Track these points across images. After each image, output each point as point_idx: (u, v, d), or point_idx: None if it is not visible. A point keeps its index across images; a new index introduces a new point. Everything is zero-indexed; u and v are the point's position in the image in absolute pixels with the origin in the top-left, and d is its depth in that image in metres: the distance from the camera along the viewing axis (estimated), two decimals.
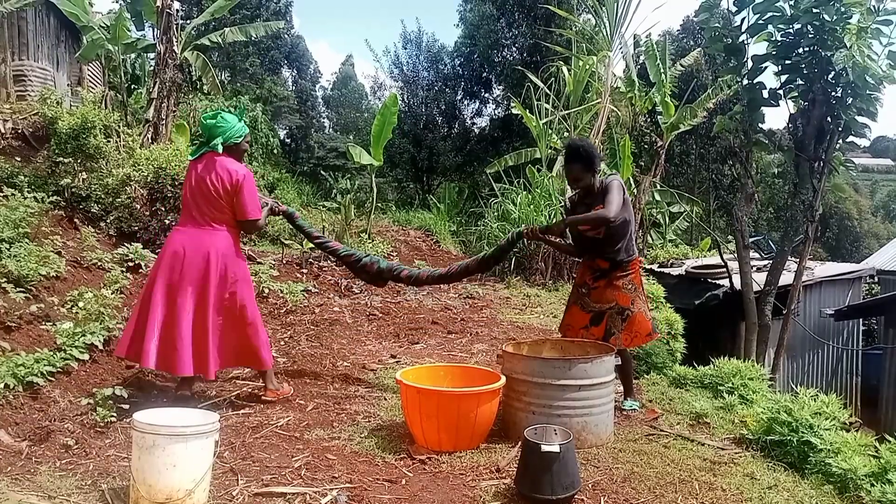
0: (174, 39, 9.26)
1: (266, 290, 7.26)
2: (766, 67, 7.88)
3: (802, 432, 3.84)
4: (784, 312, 8.39)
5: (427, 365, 4.80)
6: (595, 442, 3.93)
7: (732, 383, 5.09)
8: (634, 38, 14.27)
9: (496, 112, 20.91)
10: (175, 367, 4.12)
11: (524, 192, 10.46)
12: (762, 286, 8.44)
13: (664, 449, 3.94)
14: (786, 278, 8.65)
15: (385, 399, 4.77)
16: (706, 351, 6.95)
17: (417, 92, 20.52)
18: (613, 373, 4.15)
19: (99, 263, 6.33)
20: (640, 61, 13.64)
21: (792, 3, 7.34)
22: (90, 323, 4.82)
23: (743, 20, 7.71)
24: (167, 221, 7.28)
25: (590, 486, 3.37)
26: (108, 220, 7.29)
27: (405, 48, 20.85)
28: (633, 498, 3.26)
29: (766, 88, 7.90)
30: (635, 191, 12.10)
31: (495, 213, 10.81)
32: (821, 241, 24.26)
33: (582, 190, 4.53)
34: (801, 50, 7.53)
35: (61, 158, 7.32)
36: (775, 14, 7.45)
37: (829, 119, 7.69)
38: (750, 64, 7.94)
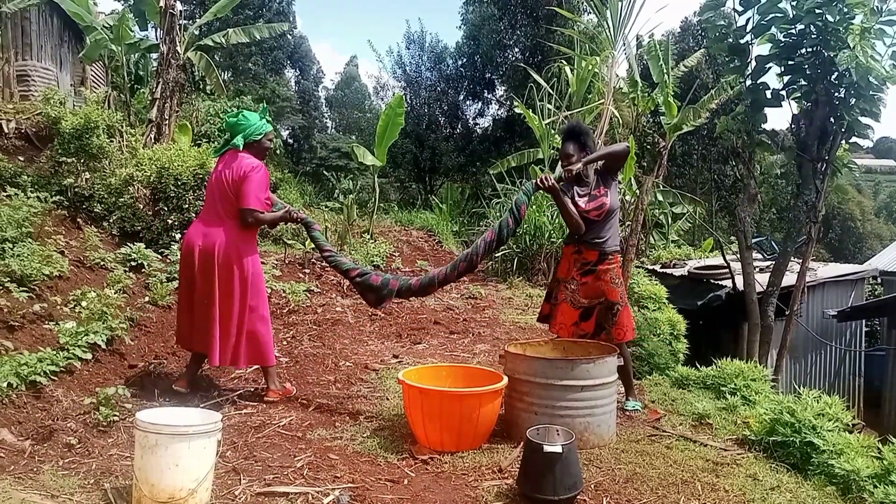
0: (177, 40, 9.28)
1: (269, 290, 7.25)
2: (769, 68, 7.87)
3: (805, 433, 3.84)
4: (787, 313, 8.38)
5: (429, 365, 4.81)
6: (597, 442, 3.93)
7: (735, 384, 5.09)
8: (637, 38, 14.27)
9: (499, 112, 20.90)
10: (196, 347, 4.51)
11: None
12: (765, 287, 8.43)
13: (666, 450, 3.94)
14: (788, 279, 8.63)
15: (387, 399, 4.77)
16: (709, 352, 6.95)
17: (420, 92, 20.52)
18: (616, 373, 4.15)
19: (102, 263, 6.34)
20: (643, 62, 13.61)
21: (794, 3, 7.33)
22: (93, 322, 4.83)
23: (748, 20, 7.70)
24: (170, 221, 7.29)
25: (592, 486, 3.37)
26: (111, 220, 7.30)
27: (408, 48, 20.86)
28: (635, 499, 3.26)
29: (769, 89, 7.89)
30: (637, 191, 12.08)
31: (498, 214, 10.80)
32: (823, 242, 24.21)
33: (574, 177, 4.54)
34: (803, 50, 7.51)
35: (64, 158, 7.34)
36: (777, 15, 7.44)
37: (832, 120, 7.67)
38: (753, 64, 7.93)
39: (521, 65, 16.55)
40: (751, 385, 5.08)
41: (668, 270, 11.72)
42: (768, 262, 10.90)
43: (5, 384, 3.83)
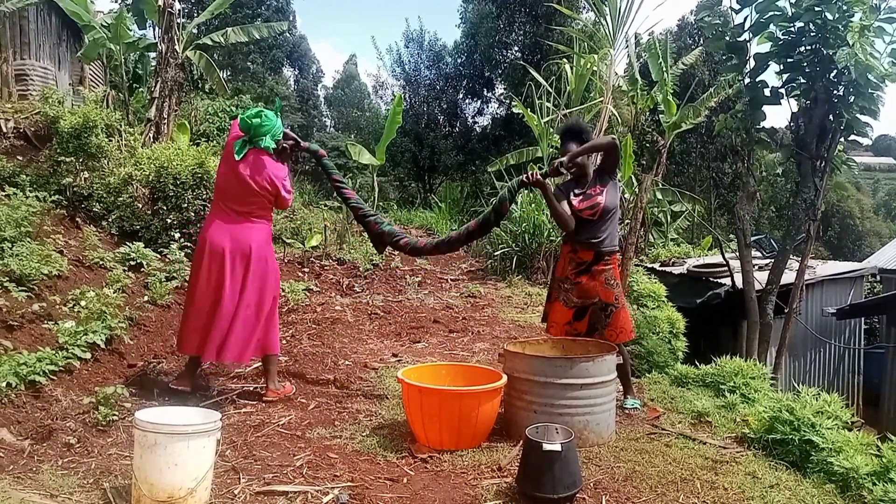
0: (176, 39, 9.27)
1: None
2: (768, 66, 7.87)
3: (804, 431, 3.84)
4: (786, 311, 8.38)
5: (429, 364, 4.80)
6: (597, 441, 3.93)
7: (734, 382, 5.09)
8: (636, 36, 14.26)
9: (498, 111, 20.91)
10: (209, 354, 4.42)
11: (526, 191, 10.44)
12: (764, 285, 8.42)
13: (666, 448, 3.94)
14: (787, 277, 8.63)
15: (387, 398, 4.77)
16: (708, 350, 6.95)
17: (419, 91, 20.53)
18: (615, 371, 4.15)
19: (101, 262, 6.34)
20: (641, 60, 13.61)
21: (793, 1, 7.33)
22: (92, 322, 4.82)
23: (746, 18, 7.71)
24: (169, 221, 7.29)
25: (591, 484, 3.37)
26: (110, 220, 7.30)
27: (407, 47, 20.87)
28: (634, 497, 3.26)
29: (767, 87, 7.89)
30: (636, 189, 12.09)
31: None
32: (823, 240, 24.21)
33: (574, 175, 4.58)
34: (802, 48, 7.51)
35: (63, 158, 7.33)
36: (776, 13, 7.44)
37: (830, 118, 7.67)
38: (752, 62, 7.92)
39: (521, 63, 16.54)
40: (750, 383, 5.08)
41: (667, 269, 11.72)
42: (767, 260, 10.90)
43: (4, 384, 3.83)
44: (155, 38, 10.93)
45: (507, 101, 19.64)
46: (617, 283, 4.55)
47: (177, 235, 7.13)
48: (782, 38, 7.61)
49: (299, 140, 4.90)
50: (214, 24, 15.27)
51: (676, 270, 11.54)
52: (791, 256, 8.81)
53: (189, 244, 6.93)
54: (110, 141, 7.77)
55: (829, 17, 7.10)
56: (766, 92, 7.87)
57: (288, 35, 22.88)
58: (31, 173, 7.26)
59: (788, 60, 7.67)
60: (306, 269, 8.73)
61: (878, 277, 15.46)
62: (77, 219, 7.11)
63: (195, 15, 15.46)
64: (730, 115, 8.35)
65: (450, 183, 18.98)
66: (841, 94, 7.50)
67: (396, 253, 10.49)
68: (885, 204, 36.38)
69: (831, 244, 25.88)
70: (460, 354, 6.04)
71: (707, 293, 10.25)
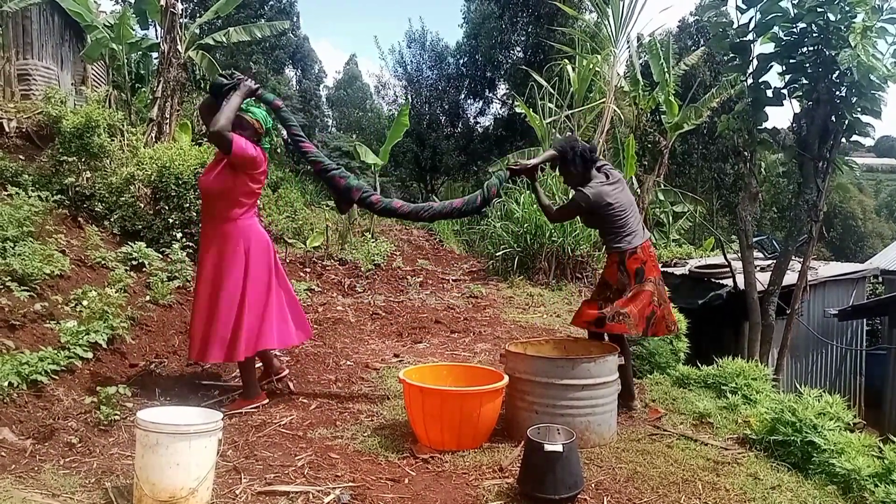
0: (178, 39, 9.27)
1: None
2: (770, 67, 7.86)
3: (806, 432, 3.83)
4: (788, 312, 8.37)
5: (430, 364, 4.80)
6: (598, 441, 3.93)
7: (736, 383, 5.08)
8: (638, 37, 14.27)
9: (500, 111, 20.90)
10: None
11: (527, 192, 10.45)
12: (766, 286, 8.42)
13: (667, 449, 3.94)
14: (789, 278, 8.62)
15: (388, 398, 4.77)
16: (710, 351, 6.94)
17: (421, 91, 20.53)
18: (616, 372, 4.15)
19: (103, 262, 6.34)
20: (643, 60, 13.61)
21: (796, 2, 7.32)
22: (94, 322, 4.83)
23: (751, 19, 7.69)
24: (171, 220, 7.29)
25: (593, 485, 3.37)
26: (112, 219, 7.30)
27: (409, 47, 20.87)
28: (636, 498, 3.26)
29: (770, 87, 7.88)
30: (639, 190, 12.09)
31: (498, 213, 10.80)
32: (825, 241, 24.18)
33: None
34: (805, 49, 7.50)
35: (65, 157, 7.33)
36: (778, 14, 7.43)
37: (833, 118, 7.66)
38: (755, 63, 7.91)
39: (523, 67, 16.54)
40: (752, 384, 5.08)
41: (670, 269, 11.72)
42: (769, 261, 10.89)
43: (6, 383, 3.84)
44: (157, 38, 10.93)
45: (510, 102, 19.64)
46: (628, 275, 4.47)
47: (179, 235, 7.13)
48: (785, 38, 7.60)
49: (254, 87, 4.50)
50: (217, 24, 15.27)
51: (678, 271, 11.53)
52: (793, 257, 8.81)
53: (191, 244, 6.93)
54: (113, 141, 7.78)
55: (832, 17, 7.10)
56: (769, 93, 7.86)
57: (291, 36, 22.89)
58: (34, 173, 7.27)
59: (791, 61, 7.66)
60: (308, 270, 8.73)
61: (880, 279, 15.44)
62: (79, 218, 7.11)
63: (198, 15, 15.48)
64: (732, 116, 8.35)
65: (452, 183, 19.00)
66: (843, 94, 7.49)
67: (399, 253, 10.50)
68: (888, 205, 36.33)
69: (833, 245, 25.87)
70: (462, 355, 6.04)
71: (709, 294, 10.25)
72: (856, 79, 7.02)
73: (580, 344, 4.48)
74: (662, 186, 13.75)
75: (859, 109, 7.41)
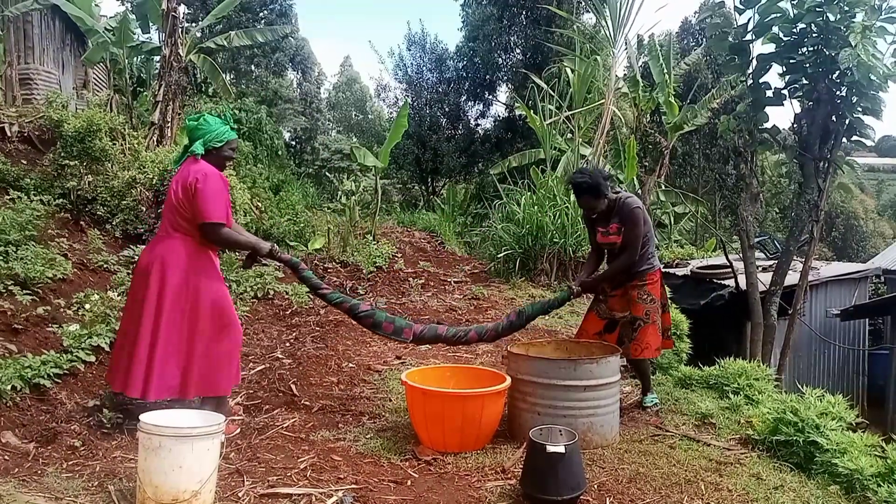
0: (179, 42, 9.29)
1: (271, 292, 7.28)
2: (770, 67, 7.86)
3: (808, 433, 3.83)
4: (790, 312, 8.37)
5: (432, 366, 4.81)
6: (600, 442, 3.93)
7: (738, 384, 5.08)
8: (637, 38, 14.27)
9: (500, 113, 20.90)
10: (122, 387, 3.81)
11: (528, 193, 10.45)
12: (768, 286, 8.41)
13: (670, 449, 3.94)
14: (791, 278, 8.61)
15: (390, 400, 4.77)
16: (712, 351, 6.93)
17: (422, 94, 20.51)
18: (619, 373, 4.15)
19: (105, 266, 6.35)
20: (642, 62, 13.61)
21: (795, 2, 7.32)
22: (96, 325, 4.84)
23: (749, 20, 7.70)
24: None
25: (595, 486, 3.37)
26: (114, 223, 7.31)
27: (409, 50, 20.86)
28: (638, 498, 3.26)
29: (770, 88, 7.88)
30: (640, 191, 12.09)
31: (500, 215, 10.80)
32: (827, 241, 24.14)
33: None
34: (805, 49, 7.50)
35: (67, 161, 7.35)
36: (777, 14, 7.43)
37: (833, 119, 7.66)
38: (755, 63, 7.92)
39: (522, 70, 16.54)
40: (754, 384, 5.07)
41: (671, 270, 11.72)
42: (771, 262, 10.89)
43: (9, 387, 3.84)
44: (158, 42, 10.96)
45: (510, 104, 19.64)
46: (652, 300, 4.50)
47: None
48: (785, 39, 7.60)
49: (274, 250, 4.26)
50: (218, 28, 15.31)
51: (680, 272, 11.54)
52: (795, 257, 8.80)
53: None
54: (114, 144, 7.79)
55: (831, 17, 7.10)
56: (769, 93, 7.86)
57: (291, 39, 22.90)
58: (36, 177, 7.29)
59: (791, 61, 7.66)
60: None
61: (883, 278, 15.42)
62: (81, 222, 7.12)
63: (199, 19, 15.52)
64: (732, 117, 8.34)
65: (453, 185, 18.97)
66: (843, 94, 7.49)
67: (400, 255, 10.51)
68: (890, 205, 36.26)
69: (835, 245, 25.79)
70: (464, 356, 6.03)
71: (711, 294, 10.25)
72: (856, 78, 7.02)
73: (582, 345, 4.48)
74: (664, 187, 13.74)
75: (860, 109, 7.41)
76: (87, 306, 5.05)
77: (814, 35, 7.31)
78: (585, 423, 3.87)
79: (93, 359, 4.57)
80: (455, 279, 9.73)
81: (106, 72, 12.46)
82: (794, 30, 7.48)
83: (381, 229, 12.06)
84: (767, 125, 8.08)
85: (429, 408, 3.78)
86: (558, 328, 7.12)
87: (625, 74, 13.79)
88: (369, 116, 27.95)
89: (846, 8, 7.00)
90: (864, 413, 10.86)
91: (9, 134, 8.05)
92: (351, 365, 5.62)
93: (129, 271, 6.41)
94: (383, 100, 24.09)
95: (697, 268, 11.25)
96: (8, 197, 6.52)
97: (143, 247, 4.17)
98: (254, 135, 14.07)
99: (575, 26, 13.86)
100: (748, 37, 7.78)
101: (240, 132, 13.83)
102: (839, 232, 26.04)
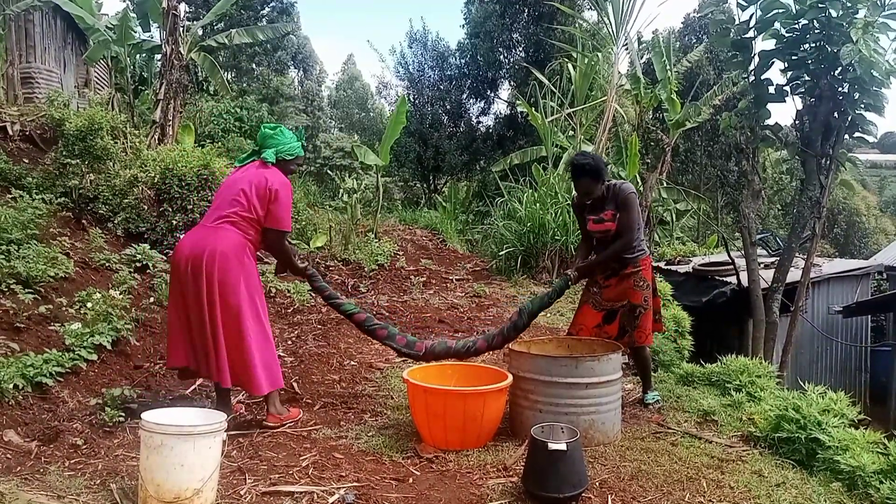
0: (180, 41, 9.30)
1: (273, 290, 7.28)
2: (772, 63, 7.84)
3: (811, 429, 3.82)
4: (792, 309, 8.35)
5: (434, 364, 4.80)
6: (602, 440, 3.92)
7: (740, 381, 5.07)
8: (639, 34, 14.26)
9: (502, 111, 20.88)
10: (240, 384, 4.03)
11: (530, 191, 10.45)
12: (770, 283, 8.40)
13: (671, 447, 3.94)
14: (793, 275, 8.60)
15: (392, 398, 4.78)
16: (714, 348, 6.94)
17: (423, 91, 20.49)
18: (621, 370, 4.15)
19: (107, 264, 6.36)
20: (644, 58, 13.60)
21: None
22: (98, 323, 4.85)
23: (751, 16, 7.68)
24: (174, 222, 7.31)
25: (597, 483, 3.37)
26: (116, 221, 7.32)
27: (411, 47, 20.84)
28: (640, 496, 3.26)
29: (772, 84, 7.86)
30: (642, 188, 12.08)
31: (502, 212, 10.81)
32: (829, 238, 24.11)
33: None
34: (807, 46, 7.48)
35: (69, 160, 7.36)
36: (779, 10, 7.41)
37: (835, 115, 7.64)
38: (757, 60, 7.90)
39: (525, 65, 16.52)
40: (756, 381, 5.07)
41: (673, 267, 11.71)
42: (773, 259, 10.87)
43: (11, 385, 3.85)
44: (159, 41, 10.97)
45: (512, 101, 19.62)
46: (647, 285, 4.52)
47: (182, 237, 7.15)
48: (787, 35, 7.58)
49: (308, 269, 4.55)
50: (219, 26, 15.32)
51: (682, 269, 11.52)
52: (797, 254, 8.78)
53: None
54: (116, 143, 7.80)
55: (833, 13, 7.07)
56: (771, 89, 7.84)
57: (293, 37, 22.93)
58: (37, 176, 7.30)
59: (793, 58, 7.64)
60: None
61: (885, 275, 15.40)
62: (83, 221, 7.13)
63: (200, 17, 15.52)
64: (734, 113, 8.32)
65: (455, 183, 18.97)
66: (846, 91, 7.46)
67: (402, 253, 10.51)
68: (893, 201, 36.17)
69: (837, 242, 25.76)
70: None
71: (713, 292, 10.23)
72: (858, 75, 7.00)
73: (584, 342, 4.48)
74: (665, 184, 13.73)
75: (862, 106, 7.39)
76: (89, 305, 5.05)
77: (816, 31, 7.28)
78: (587, 421, 3.86)
79: (95, 357, 4.59)
80: (457, 277, 9.74)
81: (107, 70, 12.48)
82: (796, 26, 7.45)
83: (383, 227, 12.06)
84: (769, 122, 8.05)
85: (430, 405, 3.78)
86: (560, 326, 7.12)
87: (627, 71, 13.77)
88: (371, 114, 27.95)
89: (848, 4, 6.97)
90: (867, 410, 10.85)
91: (10, 133, 8.06)
92: (353, 363, 5.63)
93: (131, 270, 6.42)
94: (385, 97, 24.09)
95: (699, 265, 11.23)
96: (10, 196, 6.52)
97: (180, 237, 4.26)
98: (255, 133, 14.07)
99: (577, 23, 13.85)
100: (750, 33, 7.76)
101: (241, 130, 13.85)
102: (841, 229, 25.99)
